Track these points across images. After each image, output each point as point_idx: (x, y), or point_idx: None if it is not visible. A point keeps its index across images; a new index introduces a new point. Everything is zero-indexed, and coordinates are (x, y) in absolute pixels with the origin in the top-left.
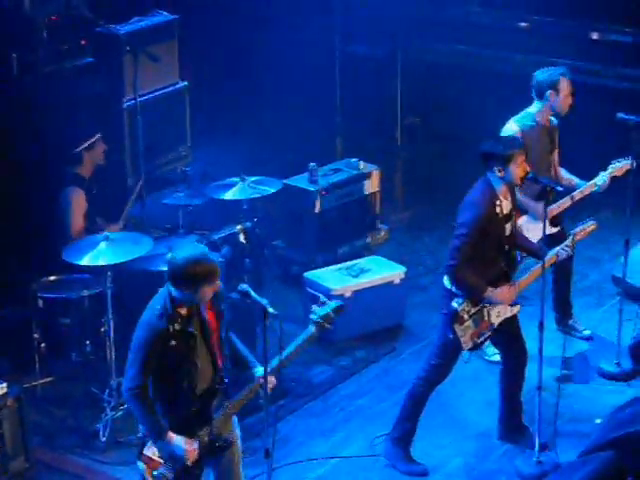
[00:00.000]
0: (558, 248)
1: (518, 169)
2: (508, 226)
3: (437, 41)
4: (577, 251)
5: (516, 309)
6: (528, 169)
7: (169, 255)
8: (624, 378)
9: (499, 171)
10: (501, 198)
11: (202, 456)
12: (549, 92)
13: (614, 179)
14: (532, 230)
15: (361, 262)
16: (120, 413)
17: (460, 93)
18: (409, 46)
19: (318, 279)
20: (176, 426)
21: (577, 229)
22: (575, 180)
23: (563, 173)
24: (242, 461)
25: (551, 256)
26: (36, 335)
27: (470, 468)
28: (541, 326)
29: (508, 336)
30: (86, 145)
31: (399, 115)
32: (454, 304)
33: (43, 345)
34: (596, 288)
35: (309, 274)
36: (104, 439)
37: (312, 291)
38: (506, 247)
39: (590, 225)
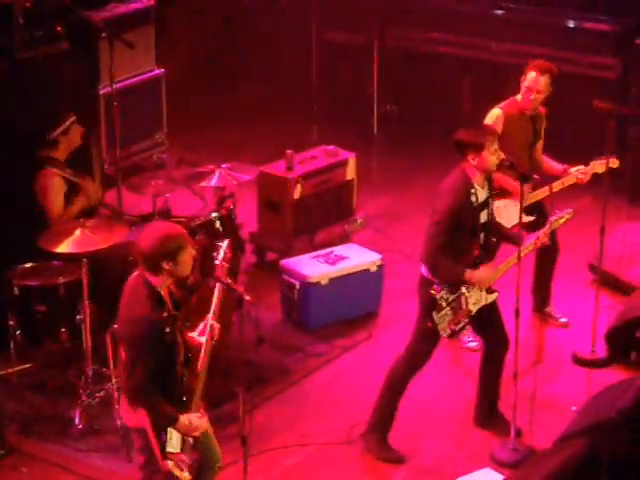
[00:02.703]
0: (538, 233)
1: (492, 156)
2: (484, 214)
3: (414, 28)
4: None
5: (493, 297)
6: (502, 155)
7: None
8: (600, 365)
9: (472, 159)
10: (476, 186)
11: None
12: (522, 81)
13: (595, 175)
14: (510, 213)
15: (337, 249)
16: (96, 400)
17: (437, 81)
18: (386, 33)
19: (294, 266)
20: (177, 400)
21: (554, 217)
22: (559, 168)
23: (547, 161)
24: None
25: (529, 243)
26: (11, 322)
27: (446, 455)
28: (517, 313)
29: (489, 324)
30: (62, 129)
31: (376, 102)
32: (432, 291)
33: (19, 332)
34: (573, 275)
35: (285, 261)
36: (80, 426)
37: (288, 278)
38: (481, 235)
39: (567, 214)
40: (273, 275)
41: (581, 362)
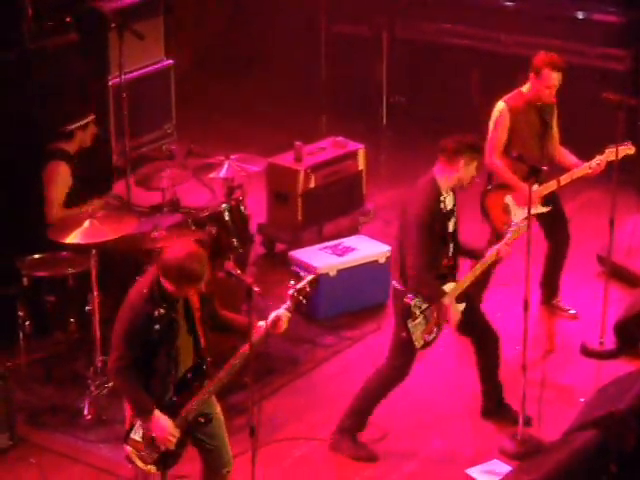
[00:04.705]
0: (497, 246)
1: (459, 172)
2: (451, 223)
3: (423, 20)
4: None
5: (461, 307)
6: (475, 174)
7: (161, 243)
8: (608, 357)
9: (445, 166)
10: (444, 194)
11: (185, 434)
12: (532, 76)
13: (609, 163)
14: (517, 210)
15: (346, 241)
16: (104, 391)
17: (446, 72)
18: (395, 25)
19: (303, 258)
20: (158, 407)
21: (513, 227)
22: (572, 161)
23: (563, 153)
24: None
25: (491, 254)
26: (21, 313)
27: (454, 447)
28: (526, 305)
29: (472, 326)
30: (82, 124)
31: (385, 94)
32: (406, 299)
33: (28, 323)
34: (581, 267)
35: (294, 253)
36: (88, 417)
37: (297, 270)
38: (451, 244)
39: (523, 226)
40: (282, 266)
41: (590, 354)
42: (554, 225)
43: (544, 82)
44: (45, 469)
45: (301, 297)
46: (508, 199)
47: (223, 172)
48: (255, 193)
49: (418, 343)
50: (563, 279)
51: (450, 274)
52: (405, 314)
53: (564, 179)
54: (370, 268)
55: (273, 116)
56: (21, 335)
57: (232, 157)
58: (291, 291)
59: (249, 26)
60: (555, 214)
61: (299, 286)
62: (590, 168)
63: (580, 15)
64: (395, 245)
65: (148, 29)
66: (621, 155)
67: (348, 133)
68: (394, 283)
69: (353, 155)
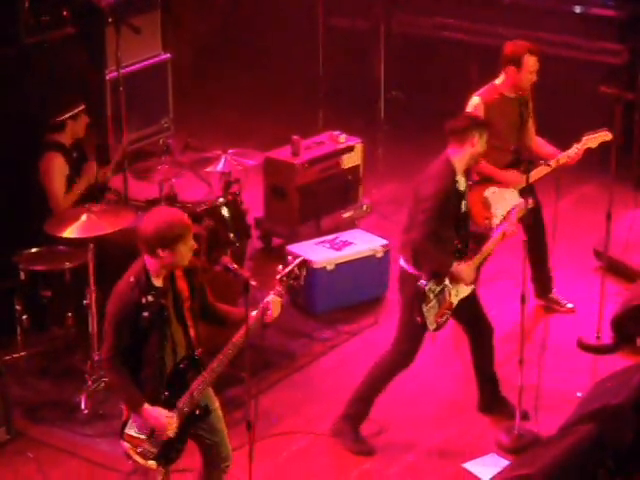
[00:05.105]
0: (503, 226)
1: (475, 147)
2: (464, 204)
3: (420, 14)
4: (559, 224)
5: (471, 288)
6: (485, 147)
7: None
8: (605, 351)
9: (458, 147)
10: (459, 174)
11: (184, 428)
12: (510, 68)
13: (588, 151)
14: (499, 201)
15: (343, 235)
16: (102, 385)
17: (443, 67)
18: (392, 19)
19: (300, 252)
20: (152, 399)
21: (516, 208)
22: (550, 151)
23: (540, 143)
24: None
25: (495, 237)
26: (18, 307)
27: (451, 441)
28: (522, 299)
29: (470, 315)
30: (72, 114)
31: (382, 88)
32: (420, 284)
33: (25, 317)
34: (578, 261)
35: (291, 247)
36: (86, 411)
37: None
38: (463, 225)
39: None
40: (279, 260)
41: (586, 348)
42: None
43: (527, 68)
44: (42, 463)
45: (291, 280)
46: (488, 193)
47: (220, 166)
48: (252, 187)
49: (432, 325)
50: (560, 274)
51: (461, 255)
52: (419, 298)
53: (536, 173)
54: (367, 262)
55: (271, 110)
56: (18, 329)
57: (229, 151)
58: (279, 276)
59: (247, 20)
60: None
61: (287, 269)
62: (569, 157)
63: (577, 9)
64: (405, 223)
65: (145, 23)
66: (599, 142)
67: (345, 127)
68: (403, 265)
69: (350, 149)
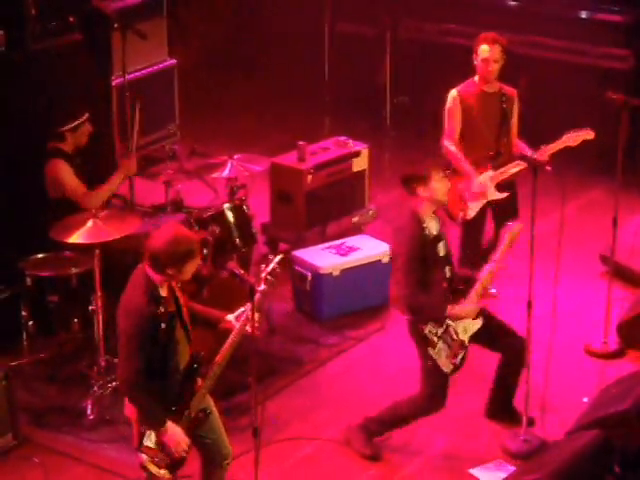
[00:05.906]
0: (490, 266)
1: (439, 184)
2: (441, 247)
3: (427, 20)
4: (565, 230)
5: (478, 323)
6: (449, 185)
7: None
8: (611, 357)
9: (423, 191)
10: (426, 220)
11: (190, 433)
12: (474, 58)
13: (566, 149)
14: (474, 198)
15: (349, 240)
16: (108, 391)
17: (449, 72)
18: (399, 25)
19: (306, 257)
20: (167, 407)
21: (507, 234)
22: (528, 152)
23: (520, 146)
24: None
25: (487, 272)
26: (24, 313)
27: (458, 447)
28: (529, 305)
29: (494, 338)
30: (72, 126)
31: (388, 94)
32: (419, 328)
33: (31, 323)
34: (584, 266)
35: (297, 252)
36: (92, 417)
37: (300, 269)
38: (446, 268)
39: (517, 227)
40: (285, 266)
41: (593, 354)
42: (505, 215)
43: (480, 56)
44: (49, 469)
45: (272, 278)
46: (482, 178)
47: (226, 172)
48: (258, 193)
49: (447, 368)
50: (565, 279)
51: (452, 296)
52: (424, 343)
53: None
54: (373, 268)
55: (276, 116)
56: (24, 335)
57: (235, 157)
58: (263, 274)
59: (253, 26)
60: (507, 204)
61: (269, 269)
62: (541, 154)
63: (583, 15)
64: (393, 279)
65: (151, 29)
66: (580, 140)
67: (352, 133)
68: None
69: (356, 155)
